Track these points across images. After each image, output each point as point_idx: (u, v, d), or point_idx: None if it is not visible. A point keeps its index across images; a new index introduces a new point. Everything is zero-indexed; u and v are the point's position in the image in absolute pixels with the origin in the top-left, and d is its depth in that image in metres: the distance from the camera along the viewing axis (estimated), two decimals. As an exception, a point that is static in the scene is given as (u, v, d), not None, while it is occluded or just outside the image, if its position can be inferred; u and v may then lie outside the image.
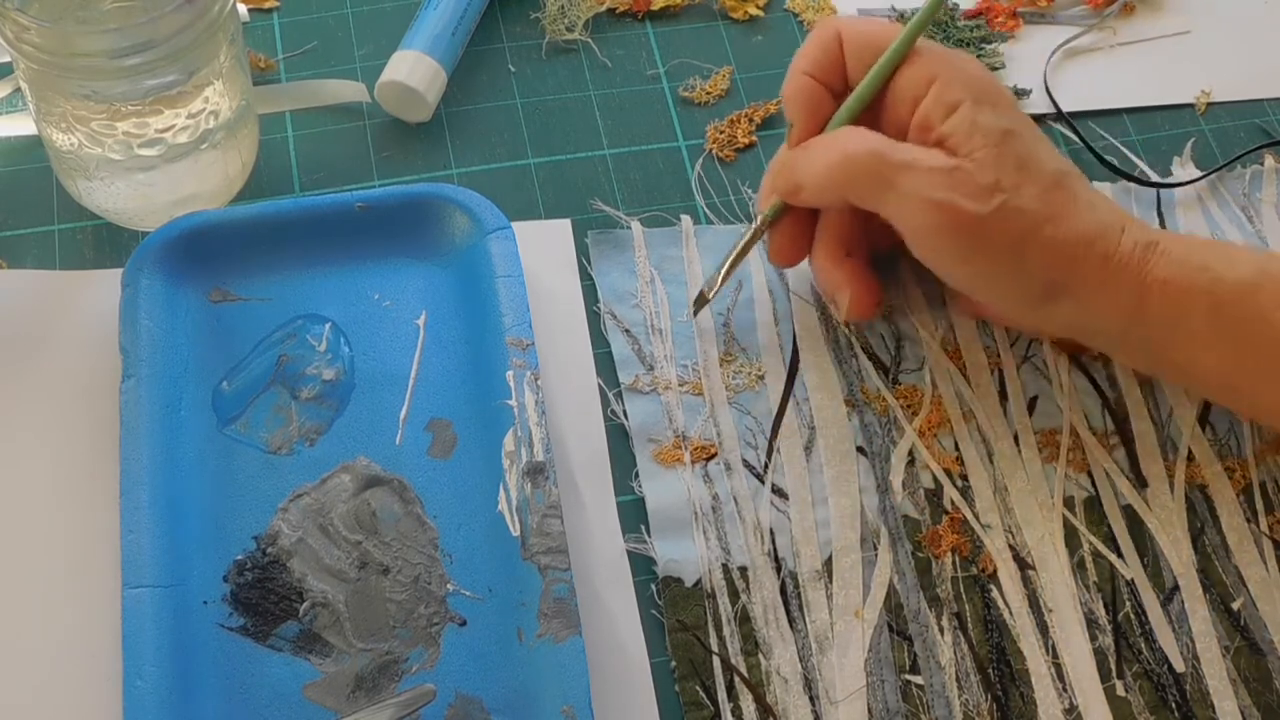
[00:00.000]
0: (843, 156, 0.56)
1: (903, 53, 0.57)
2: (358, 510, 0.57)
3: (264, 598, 0.55)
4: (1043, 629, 0.57)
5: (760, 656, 0.56)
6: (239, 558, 0.56)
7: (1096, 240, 0.55)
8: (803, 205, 0.60)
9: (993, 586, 0.58)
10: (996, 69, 0.74)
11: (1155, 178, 0.71)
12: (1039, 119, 0.72)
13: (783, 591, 0.57)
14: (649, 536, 0.58)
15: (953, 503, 0.60)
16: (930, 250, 0.57)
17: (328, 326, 0.62)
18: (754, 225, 0.62)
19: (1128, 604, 0.58)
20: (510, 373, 0.58)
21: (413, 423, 0.59)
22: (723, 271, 0.62)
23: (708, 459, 0.60)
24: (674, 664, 0.55)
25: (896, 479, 0.60)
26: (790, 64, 0.60)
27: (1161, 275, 0.55)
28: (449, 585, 0.56)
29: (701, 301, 0.63)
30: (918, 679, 0.56)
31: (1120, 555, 0.59)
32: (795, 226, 0.62)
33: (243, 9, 0.73)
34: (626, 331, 0.63)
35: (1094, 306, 0.56)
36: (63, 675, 0.54)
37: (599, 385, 0.62)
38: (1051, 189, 0.55)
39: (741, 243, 0.62)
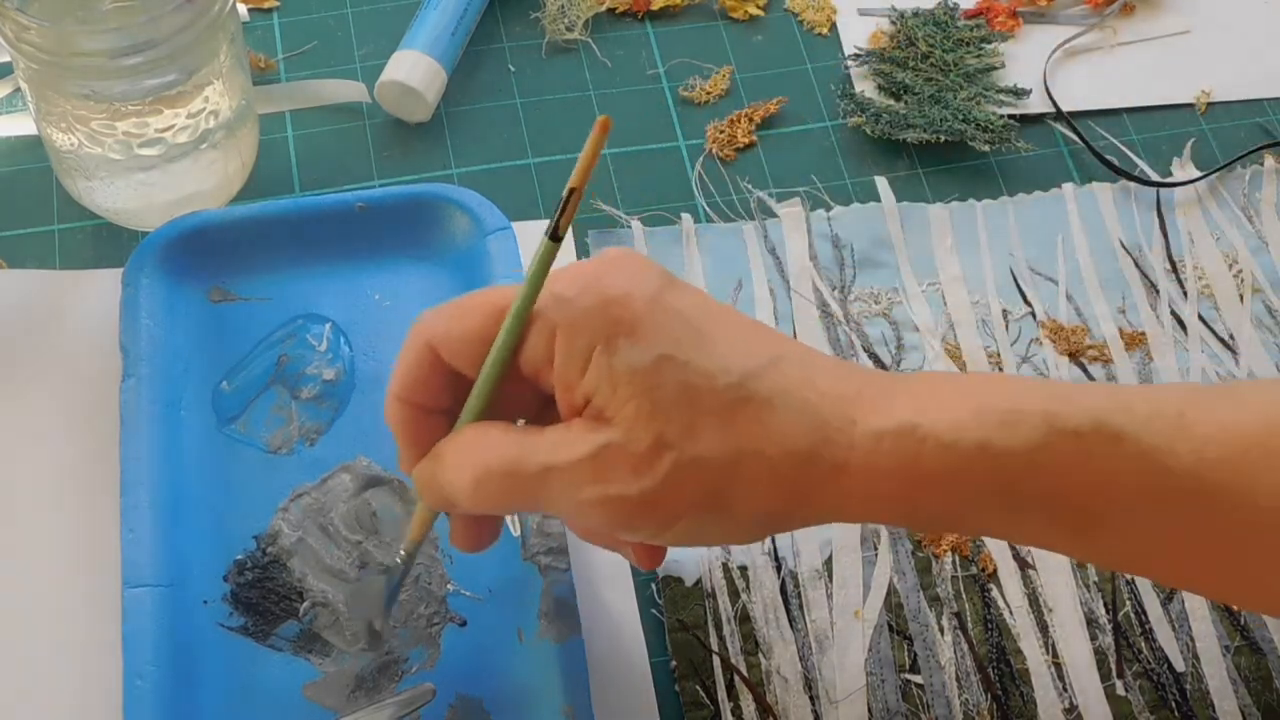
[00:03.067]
0: (482, 472, 0.44)
1: (517, 334, 0.44)
2: (358, 510, 0.57)
3: (264, 597, 0.55)
4: (1043, 629, 0.57)
5: (760, 656, 0.56)
6: (239, 557, 0.56)
7: (817, 453, 0.42)
8: (467, 513, 0.49)
9: (993, 586, 0.58)
10: (996, 69, 0.74)
11: (1155, 178, 0.71)
12: (1039, 119, 0.72)
13: (783, 591, 0.57)
14: (649, 536, 0.58)
15: (953, 502, 0.60)
16: (616, 545, 0.48)
17: (328, 326, 0.62)
18: (407, 545, 0.51)
19: (1128, 604, 0.58)
20: (510, 373, 0.58)
21: (413, 423, 0.59)
22: (402, 557, 0.51)
23: (708, 459, 0.60)
24: (674, 663, 0.55)
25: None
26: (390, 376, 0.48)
27: (929, 470, 0.42)
28: (449, 585, 0.56)
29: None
30: (918, 678, 0.56)
31: (1120, 555, 0.59)
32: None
33: (243, 9, 0.73)
34: (626, 331, 0.63)
35: (846, 517, 0.44)
36: (63, 674, 0.54)
37: (599, 385, 0.62)
38: (734, 409, 0.42)
39: (414, 524, 0.50)
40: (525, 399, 0.46)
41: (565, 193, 0.42)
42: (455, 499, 0.46)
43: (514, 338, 0.44)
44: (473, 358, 0.45)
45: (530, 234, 0.64)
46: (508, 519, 0.56)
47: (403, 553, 0.51)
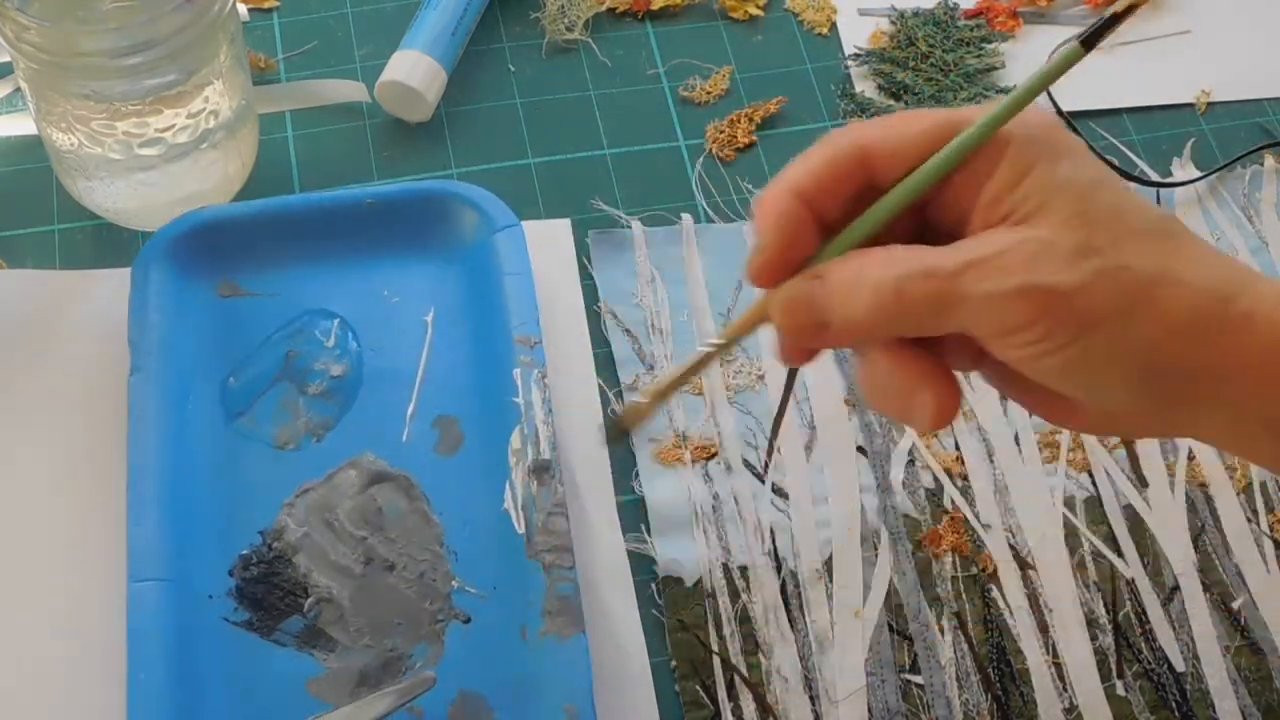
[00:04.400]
0: (893, 290, 0.42)
1: (979, 141, 0.43)
2: (364, 506, 0.57)
3: (269, 592, 0.55)
4: (1043, 629, 0.57)
5: (760, 656, 0.56)
6: (244, 552, 0.56)
7: (1232, 296, 0.41)
8: (826, 346, 0.46)
9: (993, 586, 0.58)
10: (996, 69, 0.74)
11: (1155, 178, 0.71)
12: (1039, 119, 0.72)
13: (783, 591, 0.57)
14: (649, 536, 0.58)
15: (953, 502, 0.60)
16: (1020, 352, 0.43)
17: (336, 322, 0.62)
18: (713, 342, 0.46)
19: (1128, 604, 0.58)
20: (517, 370, 0.58)
21: (419, 419, 0.59)
22: (652, 394, 0.46)
23: (708, 459, 0.60)
24: (674, 663, 0.55)
25: (897, 479, 0.60)
26: (782, 171, 0.46)
27: None
28: (454, 582, 0.56)
29: (616, 432, 0.48)
30: (918, 679, 0.56)
31: (1121, 555, 0.59)
32: None
33: (243, 9, 0.73)
34: (627, 331, 0.63)
35: (1236, 394, 0.42)
36: (67, 668, 0.54)
37: (599, 385, 0.62)
38: (1158, 236, 0.42)
39: (693, 360, 0.45)
40: (901, 228, 0.44)
41: (1122, 7, 0.44)
42: (850, 316, 0.43)
43: (974, 144, 0.43)
44: (899, 169, 0.44)
45: (531, 233, 0.64)
46: (512, 515, 0.56)
47: (717, 342, 0.46)
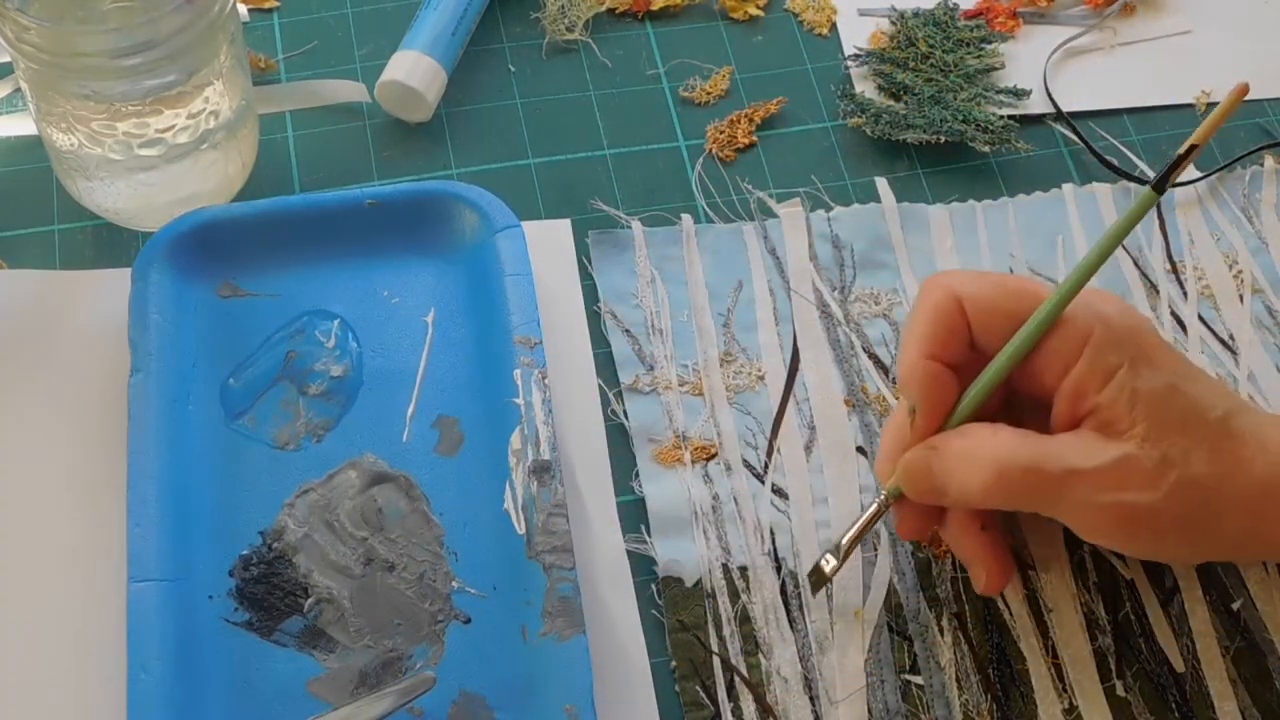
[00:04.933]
0: (996, 473, 0.50)
1: (1054, 317, 0.50)
2: (364, 506, 0.57)
3: (269, 593, 0.55)
4: (1043, 629, 0.57)
5: (760, 656, 0.56)
6: (245, 552, 0.56)
7: (1271, 481, 0.50)
8: (946, 506, 0.54)
9: (993, 586, 0.58)
10: (996, 69, 0.74)
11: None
12: (1039, 119, 0.73)
13: (783, 591, 0.57)
14: (649, 536, 0.58)
15: (953, 503, 0.60)
16: (1103, 543, 0.54)
17: (336, 323, 0.62)
18: (877, 502, 0.55)
19: (1128, 604, 0.58)
20: (518, 371, 0.58)
21: (420, 420, 0.59)
22: (842, 548, 0.55)
23: (708, 459, 0.60)
24: (674, 664, 0.55)
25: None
26: (903, 336, 0.53)
27: None
28: (454, 582, 0.56)
29: (821, 580, 0.56)
30: (918, 679, 0.56)
31: (1120, 555, 0.59)
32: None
33: (243, 9, 0.73)
34: (627, 331, 0.63)
35: None
36: (67, 668, 0.54)
37: (599, 385, 0.62)
38: (1221, 440, 0.50)
39: (864, 518, 0.55)
40: (995, 398, 0.52)
41: (1184, 148, 0.48)
42: (964, 490, 0.50)
43: (1048, 324, 0.50)
44: (988, 325, 0.51)
45: (531, 234, 0.64)
46: (512, 516, 0.56)
47: (844, 543, 0.54)
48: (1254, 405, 0.52)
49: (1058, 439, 0.50)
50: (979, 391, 0.52)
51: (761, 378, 0.63)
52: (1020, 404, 0.54)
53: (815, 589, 0.56)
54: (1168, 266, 0.68)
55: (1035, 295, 0.51)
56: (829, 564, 0.55)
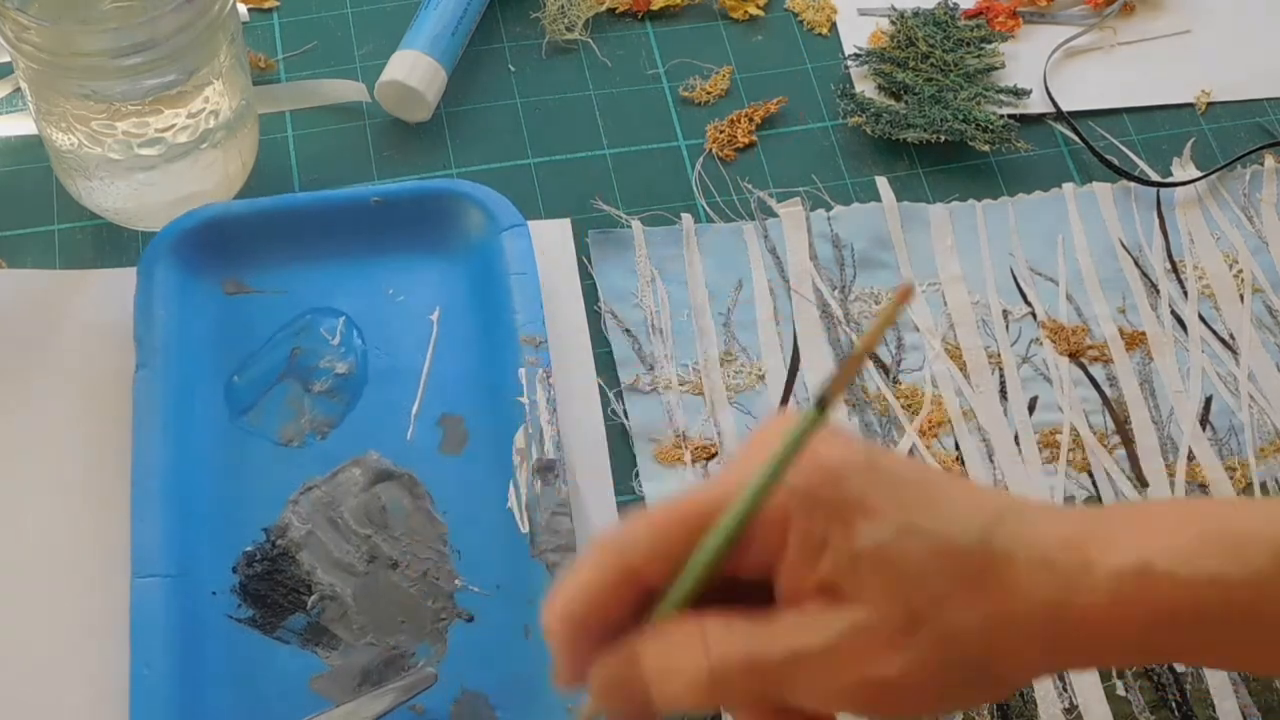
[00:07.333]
0: (709, 676, 0.40)
1: (744, 525, 0.40)
2: (368, 504, 0.57)
3: (272, 589, 0.55)
4: (1043, 628, 0.57)
5: (761, 656, 0.55)
6: (248, 549, 0.56)
7: (1063, 603, 0.40)
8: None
9: (993, 586, 0.58)
10: (996, 69, 0.74)
11: (1155, 178, 0.71)
12: (1039, 119, 0.73)
13: (783, 591, 0.57)
14: (649, 536, 0.58)
15: (953, 502, 0.60)
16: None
17: (341, 320, 0.62)
18: None
19: (1128, 603, 0.58)
20: (522, 370, 0.58)
21: (424, 418, 0.59)
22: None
23: (708, 458, 0.60)
24: (674, 664, 0.55)
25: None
26: (556, 589, 0.41)
27: (1166, 608, 0.40)
28: (457, 581, 0.56)
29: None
30: (918, 678, 0.56)
31: (1120, 555, 0.59)
32: None
33: (243, 9, 0.73)
34: (627, 331, 0.63)
35: (1087, 663, 0.45)
36: (71, 663, 0.54)
37: (599, 385, 0.62)
38: (983, 573, 0.40)
39: None
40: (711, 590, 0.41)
41: (853, 355, 0.38)
42: (672, 701, 0.40)
43: (741, 530, 0.40)
44: (677, 569, 0.41)
45: (531, 233, 0.63)
46: (516, 514, 0.56)
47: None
48: (1022, 501, 0.42)
49: (778, 620, 0.40)
50: (667, 607, 0.41)
51: (762, 377, 0.63)
52: (743, 581, 0.42)
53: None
54: (1168, 266, 0.68)
55: (704, 515, 0.41)
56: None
